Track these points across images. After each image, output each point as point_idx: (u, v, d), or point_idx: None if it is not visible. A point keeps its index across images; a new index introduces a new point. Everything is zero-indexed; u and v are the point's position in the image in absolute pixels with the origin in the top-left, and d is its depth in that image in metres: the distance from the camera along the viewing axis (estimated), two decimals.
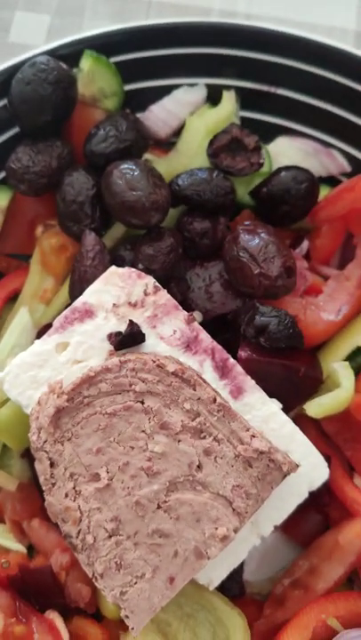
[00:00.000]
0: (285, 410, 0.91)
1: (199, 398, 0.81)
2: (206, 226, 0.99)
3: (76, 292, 0.94)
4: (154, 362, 0.82)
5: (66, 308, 0.92)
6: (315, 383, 0.94)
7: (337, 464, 0.96)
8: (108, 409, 0.82)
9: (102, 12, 1.35)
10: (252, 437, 0.80)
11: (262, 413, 0.87)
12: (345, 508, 0.94)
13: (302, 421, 0.92)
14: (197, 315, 0.98)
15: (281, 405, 0.89)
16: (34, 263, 1.03)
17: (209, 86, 1.07)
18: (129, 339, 0.87)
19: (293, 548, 0.99)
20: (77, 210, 0.98)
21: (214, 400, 0.81)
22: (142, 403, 0.82)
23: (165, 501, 0.80)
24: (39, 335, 0.96)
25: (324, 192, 1.05)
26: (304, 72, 1.05)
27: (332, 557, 0.91)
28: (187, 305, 0.98)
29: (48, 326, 0.92)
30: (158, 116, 1.06)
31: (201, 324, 0.93)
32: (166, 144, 1.08)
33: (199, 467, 0.81)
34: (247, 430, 0.81)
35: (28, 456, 0.99)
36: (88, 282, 0.92)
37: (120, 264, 0.96)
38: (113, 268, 0.91)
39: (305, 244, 1.03)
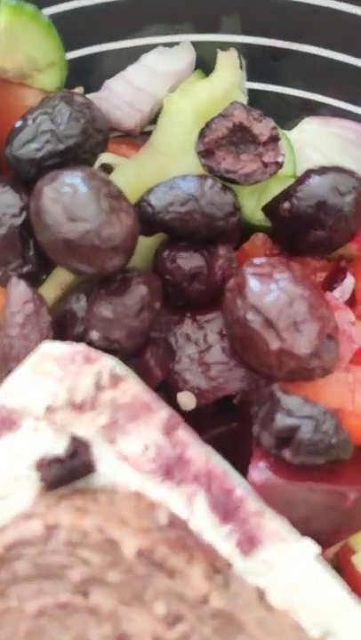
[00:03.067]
0: (326, 544, 0.68)
1: (180, 593, 0.51)
2: (198, 264, 0.74)
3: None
4: (100, 531, 0.51)
5: None
6: None
7: None
8: (30, 604, 0.54)
9: None
10: None
11: (289, 576, 0.62)
12: None
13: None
14: (188, 397, 0.74)
15: (319, 549, 0.66)
16: None
17: (197, 45, 0.83)
18: (68, 474, 0.59)
19: None
20: None
21: (206, 599, 0.49)
22: (85, 596, 0.55)
23: None
24: None
25: None
26: (341, 15, 0.79)
27: None
28: (171, 383, 0.75)
29: None
30: (121, 95, 0.82)
31: (194, 410, 0.73)
32: (141, 136, 0.87)
33: None
34: None
35: None
36: (16, 361, 0.69)
37: (70, 326, 0.73)
38: (47, 346, 0.67)
39: (348, 282, 0.78)
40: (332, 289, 0.78)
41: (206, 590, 0.52)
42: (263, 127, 0.74)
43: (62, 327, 0.73)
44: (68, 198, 0.66)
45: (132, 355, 0.71)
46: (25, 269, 0.74)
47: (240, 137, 0.76)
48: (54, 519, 0.54)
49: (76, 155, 0.73)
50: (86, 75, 0.83)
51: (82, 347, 0.66)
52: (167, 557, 0.52)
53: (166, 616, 0.52)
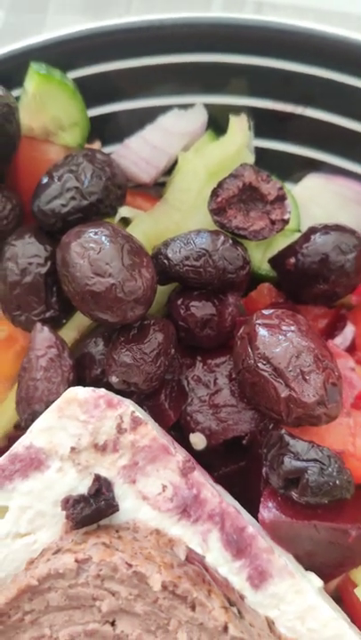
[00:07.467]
0: (329, 576, 0.70)
1: (201, 624, 0.53)
2: (209, 312, 0.75)
3: (23, 415, 0.72)
4: (129, 566, 0.53)
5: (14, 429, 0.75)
6: None
7: None
8: (62, 632, 0.56)
9: (70, 3, 1.06)
10: None
11: (296, 608, 0.64)
12: None
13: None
14: (199, 438, 0.74)
15: (322, 583, 0.69)
16: None
17: (210, 108, 0.84)
18: (94, 513, 0.60)
19: None
20: (23, 294, 0.75)
21: (225, 628, 0.52)
22: (113, 625, 0.57)
23: None
24: None
25: None
26: (341, 85, 0.82)
27: None
28: (183, 423, 0.75)
29: None
30: (139, 153, 0.83)
31: (205, 449, 0.73)
32: (154, 187, 0.87)
33: None
34: None
35: None
36: (39, 402, 0.71)
37: (88, 368, 0.74)
38: (71, 391, 0.67)
39: (349, 330, 0.79)
40: (333, 336, 0.78)
41: (225, 621, 0.54)
42: (271, 187, 0.75)
43: (81, 369, 0.74)
44: (93, 254, 0.67)
45: (147, 396, 0.73)
46: (47, 314, 0.75)
47: (249, 195, 0.76)
48: (85, 554, 0.56)
49: (98, 209, 0.75)
50: (104, 130, 0.83)
51: (104, 391, 0.67)
52: (190, 591, 0.54)
53: None
